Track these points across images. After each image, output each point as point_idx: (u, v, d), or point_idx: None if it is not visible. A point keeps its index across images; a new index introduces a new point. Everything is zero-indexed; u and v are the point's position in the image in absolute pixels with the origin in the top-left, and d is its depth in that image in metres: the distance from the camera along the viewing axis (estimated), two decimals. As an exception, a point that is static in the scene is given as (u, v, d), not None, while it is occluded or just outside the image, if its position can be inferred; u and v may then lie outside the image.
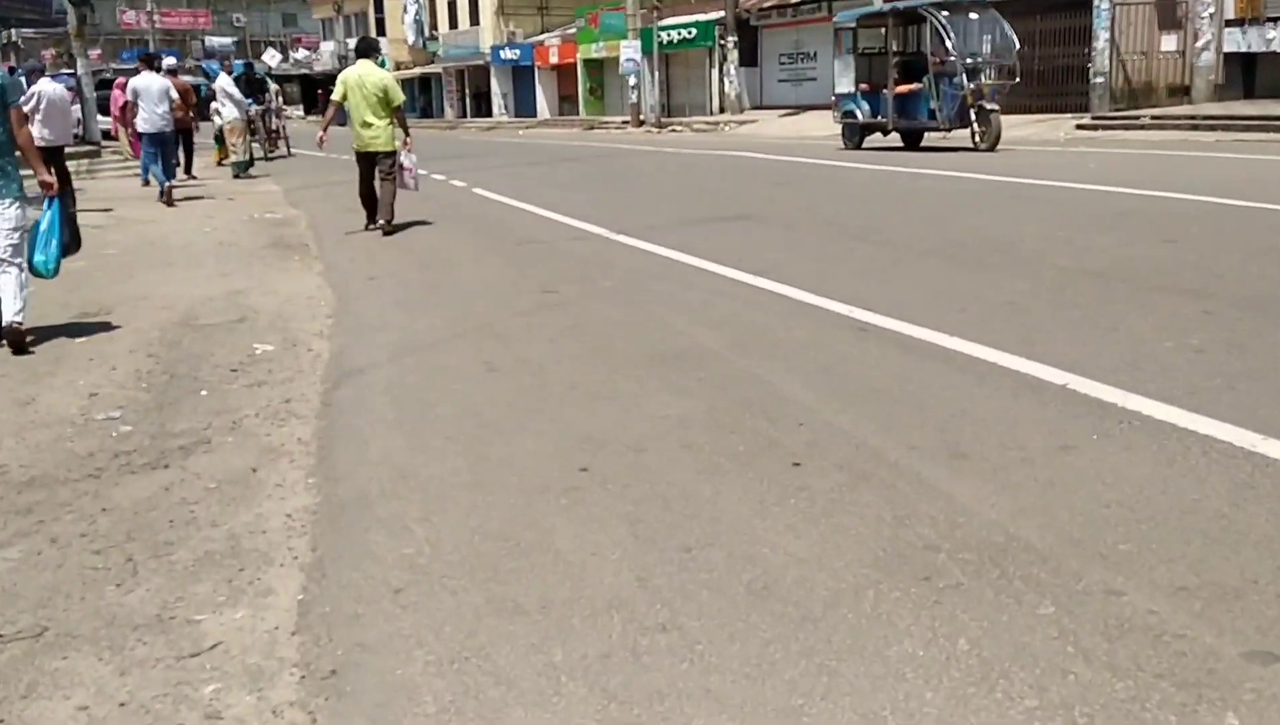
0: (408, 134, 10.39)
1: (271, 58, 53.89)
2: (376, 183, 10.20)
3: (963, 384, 4.05)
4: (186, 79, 23.59)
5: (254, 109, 20.95)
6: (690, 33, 35.56)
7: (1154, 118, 19.95)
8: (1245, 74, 22.47)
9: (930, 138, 18.09)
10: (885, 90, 17.75)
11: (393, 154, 10.13)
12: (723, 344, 4.91)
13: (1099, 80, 21.90)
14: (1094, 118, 19.46)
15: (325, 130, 10.93)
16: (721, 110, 35.29)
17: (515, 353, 5.06)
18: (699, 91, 36.98)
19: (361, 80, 9.95)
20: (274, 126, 24.36)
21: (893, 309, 5.35)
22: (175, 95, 14.46)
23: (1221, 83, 22.14)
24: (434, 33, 52.67)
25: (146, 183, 15.19)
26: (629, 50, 34.15)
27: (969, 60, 16.33)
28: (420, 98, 56.53)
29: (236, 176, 17.62)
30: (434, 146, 27.23)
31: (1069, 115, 22.54)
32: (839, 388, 4.12)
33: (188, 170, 18.28)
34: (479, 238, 9.58)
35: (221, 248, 9.81)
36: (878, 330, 4.97)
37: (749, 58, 34.59)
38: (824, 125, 26.44)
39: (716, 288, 6.34)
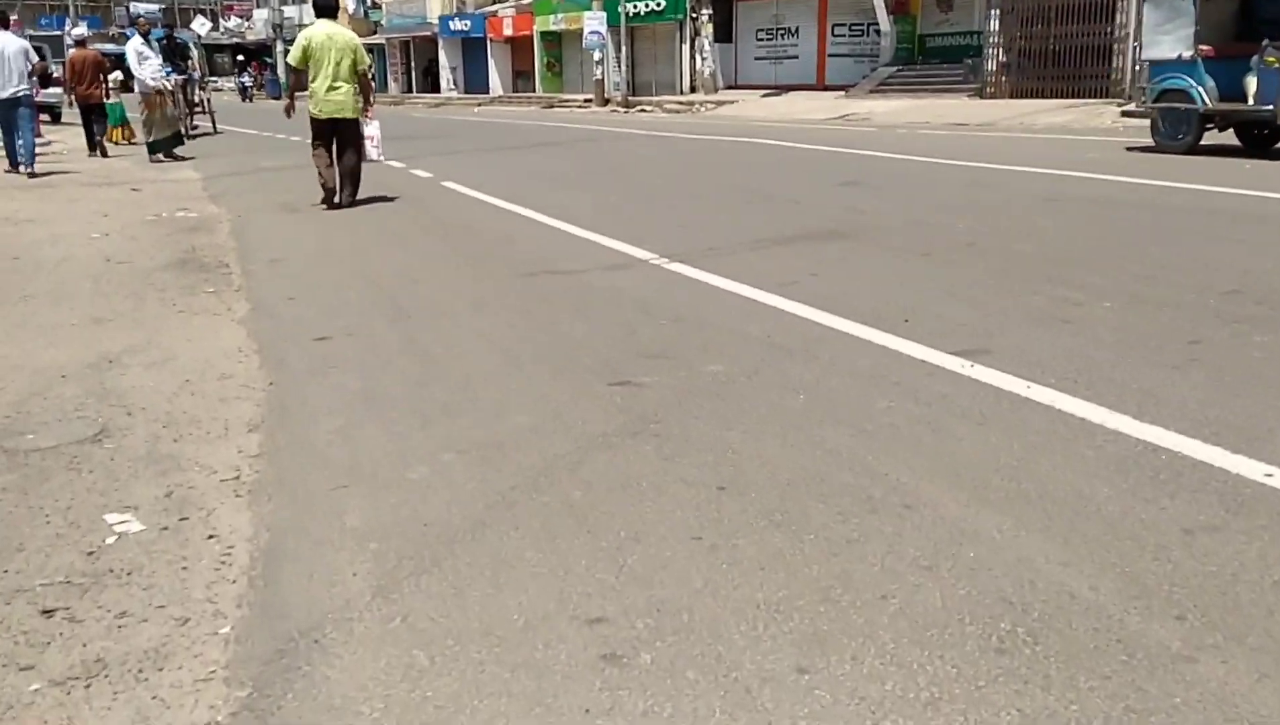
0: (371, 101, 9.72)
1: (201, 25, 50.00)
2: (336, 154, 9.45)
3: None
4: (109, 48, 20.99)
5: (175, 78, 17.97)
6: (659, 4, 32.84)
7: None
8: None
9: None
10: (1261, 58, 10.57)
11: (357, 121, 9.50)
12: (1179, 631, 2.19)
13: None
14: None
15: (292, 100, 9.94)
16: (692, 89, 32.64)
17: (646, 593, 2.41)
18: (667, 69, 34.29)
19: (330, 40, 9.17)
20: (196, 99, 21.29)
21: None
22: (35, 57, 12.55)
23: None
24: (377, 1, 49.27)
25: (15, 167, 12.36)
26: (593, 22, 31.39)
27: None
28: (362, 71, 53.12)
29: (155, 159, 14.62)
30: (383, 126, 23.95)
31: (1094, 101, 20.34)
32: None
33: (96, 149, 15.71)
34: (471, 261, 6.88)
35: (108, 267, 7.04)
36: None
37: (723, 33, 32.00)
38: (817, 107, 23.92)
39: (915, 383, 3.74)
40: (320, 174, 9.47)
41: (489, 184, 10.67)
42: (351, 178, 9.46)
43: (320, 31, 9.20)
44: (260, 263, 6.99)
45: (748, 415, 3.53)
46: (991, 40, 23.05)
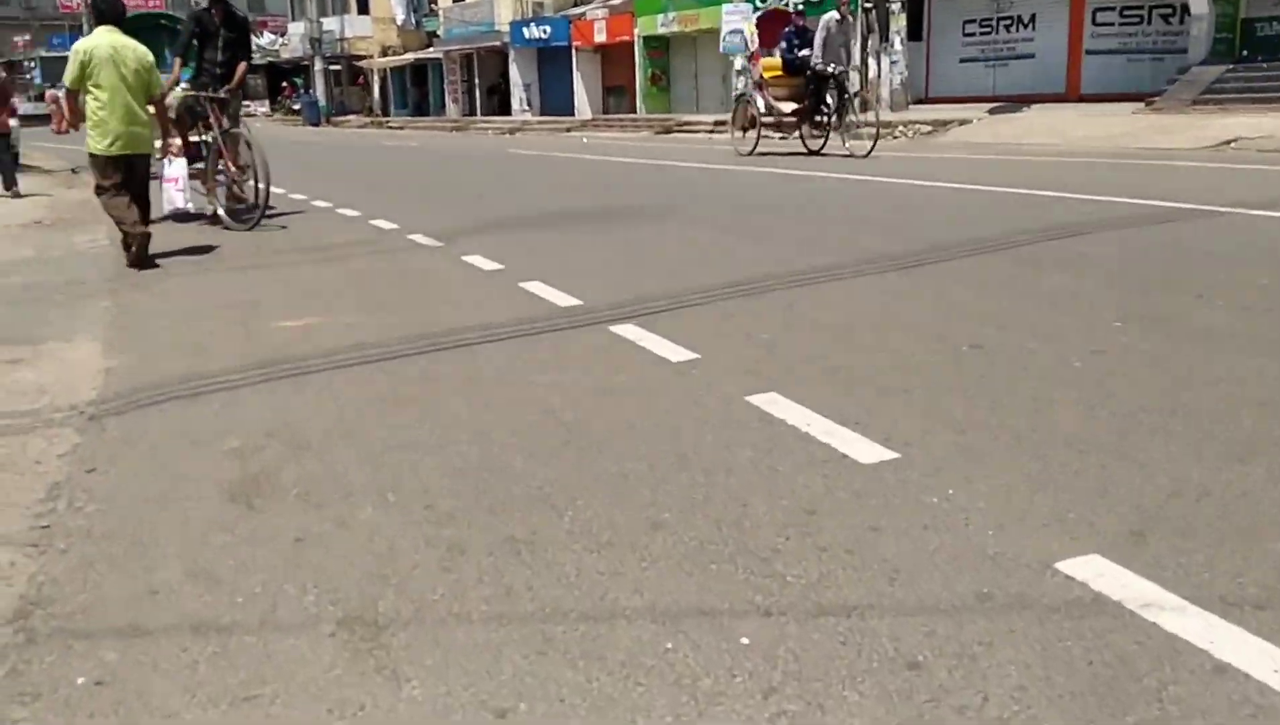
0: (171, 134, 7.74)
1: (232, 44, 42.49)
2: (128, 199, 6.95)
3: None
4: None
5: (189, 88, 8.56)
6: (816, -8, 24.43)
7: None
8: None
9: None
10: None
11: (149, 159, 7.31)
12: None
13: None
14: None
15: (73, 124, 7.14)
16: (864, 106, 24.19)
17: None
18: (820, 78, 25.85)
19: (118, 55, 6.67)
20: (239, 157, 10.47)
21: None
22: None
23: None
24: (433, 7, 41.49)
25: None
26: (734, 18, 23.20)
27: None
28: (413, 91, 45.37)
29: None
30: (473, 173, 14.90)
31: None
32: None
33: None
34: None
35: None
36: None
37: (909, 27, 23.53)
38: (1132, 127, 14.58)
39: None
40: (121, 222, 6.81)
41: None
42: (145, 225, 6.91)
43: (103, 42, 6.66)
44: None
45: None
46: None
